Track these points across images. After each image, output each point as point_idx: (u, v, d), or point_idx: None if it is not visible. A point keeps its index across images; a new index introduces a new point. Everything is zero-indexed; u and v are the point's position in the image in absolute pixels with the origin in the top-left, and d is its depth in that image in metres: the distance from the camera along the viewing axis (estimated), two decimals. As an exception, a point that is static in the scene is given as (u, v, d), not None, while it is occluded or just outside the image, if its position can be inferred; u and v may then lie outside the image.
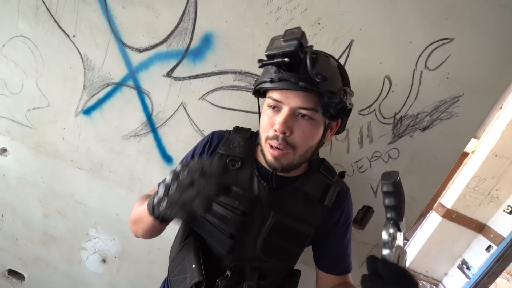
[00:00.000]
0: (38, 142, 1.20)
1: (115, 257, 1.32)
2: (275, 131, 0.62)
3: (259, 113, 0.72)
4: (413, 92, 0.92)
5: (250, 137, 0.78)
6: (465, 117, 0.92)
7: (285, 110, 0.62)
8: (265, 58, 0.58)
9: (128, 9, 0.99)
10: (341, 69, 0.68)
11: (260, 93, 0.72)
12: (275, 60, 0.56)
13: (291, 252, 0.74)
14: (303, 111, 0.62)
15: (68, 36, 1.05)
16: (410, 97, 0.93)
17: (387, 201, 0.52)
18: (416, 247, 3.77)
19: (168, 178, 0.53)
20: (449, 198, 3.48)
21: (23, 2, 1.03)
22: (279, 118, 0.62)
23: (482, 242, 3.39)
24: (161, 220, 0.57)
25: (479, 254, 3.38)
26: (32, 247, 1.37)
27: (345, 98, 0.61)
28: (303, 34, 0.54)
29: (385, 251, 0.51)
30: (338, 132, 0.74)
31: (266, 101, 0.67)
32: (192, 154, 0.80)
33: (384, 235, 0.52)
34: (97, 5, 1.00)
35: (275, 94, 0.63)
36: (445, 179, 1.03)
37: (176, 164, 0.94)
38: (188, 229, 0.79)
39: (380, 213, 1.04)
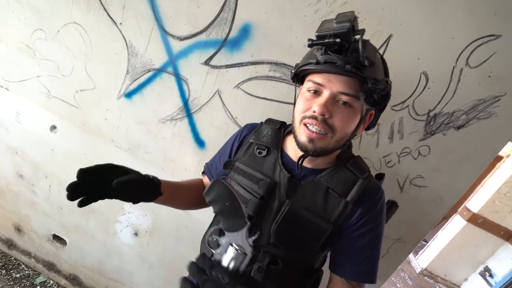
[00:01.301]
0: (83, 122, 1.31)
1: (146, 231, 1.42)
2: (314, 112, 0.62)
3: (295, 99, 0.72)
4: (450, 89, 0.91)
5: (280, 128, 0.80)
6: (504, 118, 0.89)
7: (326, 93, 0.62)
8: (314, 38, 0.59)
9: (172, -1, 1.04)
10: (384, 61, 0.68)
11: (299, 78, 0.73)
12: (326, 40, 0.57)
13: (305, 244, 0.72)
14: (344, 97, 0.62)
15: (116, 23, 1.12)
16: (447, 94, 0.91)
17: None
18: (436, 249, 3.68)
19: None
20: (476, 202, 3.34)
21: (77, -9, 1.11)
22: (320, 100, 0.62)
23: (509, 250, 3.25)
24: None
25: (504, 262, 3.24)
26: (74, 216, 1.51)
27: (388, 88, 0.61)
28: (355, 18, 0.55)
29: None
30: (369, 127, 0.74)
31: (306, 85, 0.66)
32: (226, 143, 0.88)
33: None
34: (143, -6, 1.06)
35: (317, 78, 0.63)
36: (473, 183, 1.01)
37: (208, 148, 1.01)
38: None
39: (404, 208, 1.06)
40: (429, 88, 0.92)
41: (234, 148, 0.83)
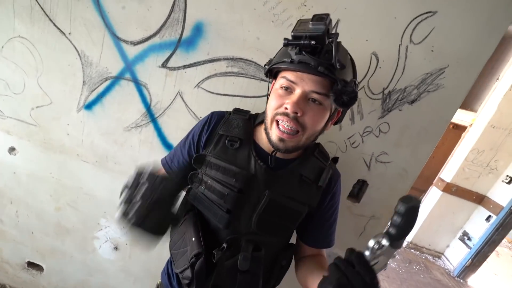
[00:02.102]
0: (44, 139, 1.25)
1: (126, 244, 1.39)
2: (286, 109, 0.65)
3: (268, 94, 0.74)
4: (399, 66, 0.96)
5: (249, 119, 0.81)
6: (451, 88, 0.96)
7: (298, 91, 0.65)
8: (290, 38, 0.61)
9: (120, 3, 1.01)
10: (353, 62, 0.72)
11: (271, 73, 0.75)
12: (301, 42, 0.59)
13: (285, 228, 0.78)
14: (315, 95, 0.64)
15: (64, 34, 1.08)
16: (397, 72, 0.96)
17: (394, 218, 0.51)
18: (418, 222, 3.87)
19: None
20: (448, 172, 3.54)
21: (17, 3, 1.06)
22: (292, 98, 0.64)
23: (482, 213, 3.48)
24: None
25: (479, 225, 3.47)
26: (48, 239, 1.44)
27: (356, 89, 0.64)
28: (330, 20, 0.58)
29: (366, 252, 0.53)
30: (336, 122, 0.78)
31: (279, 81, 0.69)
32: (191, 134, 0.84)
33: (371, 242, 0.52)
34: (89, 2, 1.03)
35: (290, 75, 0.66)
36: (444, 154, 1.08)
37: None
38: (189, 205, 0.84)
39: (374, 186, 1.11)
40: (380, 67, 0.97)
41: (202, 139, 0.80)
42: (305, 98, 0.65)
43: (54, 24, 1.07)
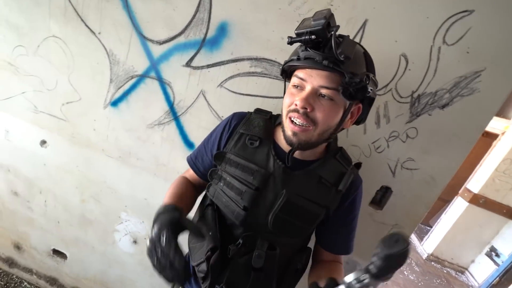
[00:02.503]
0: (72, 134, 1.31)
1: (145, 238, 1.42)
2: (296, 105, 0.66)
3: (284, 94, 0.75)
4: (431, 69, 0.91)
5: (270, 119, 0.82)
6: (487, 92, 0.89)
7: (307, 88, 0.66)
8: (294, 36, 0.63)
9: (147, 4, 1.04)
10: (367, 56, 0.70)
11: (287, 74, 0.76)
12: (303, 38, 0.61)
13: (300, 229, 0.77)
14: (324, 91, 0.65)
15: (94, 33, 1.12)
16: (428, 74, 0.91)
17: (373, 258, 0.47)
18: (441, 233, 3.68)
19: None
20: (476, 183, 3.34)
21: (53, 4, 1.11)
22: (302, 94, 0.66)
23: (513, 228, 3.25)
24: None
25: (509, 241, 3.25)
26: (72, 229, 1.51)
27: (367, 82, 0.63)
28: (331, 15, 0.59)
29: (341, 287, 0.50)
30: (358, 122, 0.77)
31: (292, 80, 0.71)
32: (214, 133, 0.86)
33: (349, 277, 0.50)
34: (119, 2, 1.06)
35: (300, 73, 0.67)
36: (472, 163, 1.01)
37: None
38: (208, 200, 0.85)
39: (398, 193, 1.06)
40: (409, 69, 0.92)
41: (223, 138, 0.82)
42: (315, 94, 0.65)
43: (85, 24, 1.12)
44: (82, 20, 1.11)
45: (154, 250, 0.60)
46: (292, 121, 0.68)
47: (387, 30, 0.90)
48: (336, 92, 0.64)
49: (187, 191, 0.89)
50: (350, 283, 0.49)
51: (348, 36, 0.66)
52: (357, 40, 0.92)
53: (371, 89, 0.65)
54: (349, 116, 0.71)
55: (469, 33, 0.84)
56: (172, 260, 0.59)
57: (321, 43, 0.60)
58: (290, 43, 0.64)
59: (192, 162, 0.90)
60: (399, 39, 0.90)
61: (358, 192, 0.81)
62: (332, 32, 0.58)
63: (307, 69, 0.66)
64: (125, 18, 1.08)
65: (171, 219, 0.63)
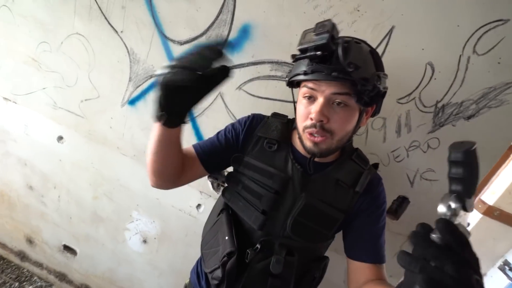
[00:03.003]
0: (89, 131, 1.32)
1: (155, 238, 1.42)
2: (311, 119, 0.65)
3: (294, 103, 0.75)
4: (458, 79, 0.88)
5: (287, 123, 0.81)
6: (517, 104, 0.86)
7: (320, 99, 0.64)
8: (297, 52, 0.62)
9: (171, 3, 1.04)
10: (374, 53, 0.68)
11: (293, 84, 0.75)
12: (308, 54, 0.60)
13: (320, 234, 0.75)
14: (337, 97, 0.63)
15: (117, 31, 1.13)
16: (455, 84, 0.89)
17: (453, 171, 0.41)
18: (452, 247, 3.58)
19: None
20: (491, 195, 3.23)
21: (78, 3, 1.13)
22: (315, 107, 0.64)
23: (528, 244, 3.13)
24: (163, 110, 0.59)
25: (524, 257, 3.13)
26: (84, 225, 1.52)
27: (378, 83, 0.62)
28: (333, 26, 0.57)
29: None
30: (373, 114, 0.75)
31: (301, 91, 0.69)
32: (229, 125, 0.83)
33: (441, 208, 0.40)
34: (142, 1, 1.07)
35: (309, 84, 0.66)
36: (488, 174, 0.97)
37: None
38: (223, 204, 0.84)
39: (415, 204, 1.03)
40: (435, 78, 0.90)
41: (240, 140, 0.80)
42: (328, 103, 0.64)
43: (109, 22, 1.13)
44: (105, 18, 1.13)
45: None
46: (311, 134, 0.67)
47: (414, 38, 0.88)
48: (349, 96, 0.63)
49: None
50: (445, 214, 0.39)
51: (352, 39, 0.65)
52: (382, 47, 0.90)
53: (384, 87, 0.65)
54: (364, 114, 0.71)
55: (502, 43, 0.82)
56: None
57: (327, 56, 0.59)
58: (295, 60, 0.64)
59: (198, 146, 0.81)
60: (426, 47, 0.87)
61: (379, 190, 0.78)
62: (338, 44, 0.57)
63: (316, 81, 0.64)
64: (148, 17, 1.08)
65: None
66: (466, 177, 0.40)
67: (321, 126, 0.64)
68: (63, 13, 1.16)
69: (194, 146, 0.82)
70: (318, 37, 0.57)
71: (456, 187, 0.41)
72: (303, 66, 0.65)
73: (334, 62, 0.59)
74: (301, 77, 0.65)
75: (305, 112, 0.67)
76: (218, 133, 0.85)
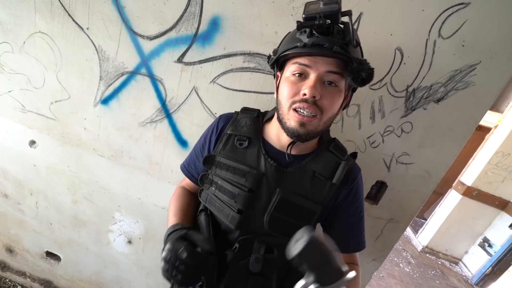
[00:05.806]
0: (62, 133, 1.28)
1: (140, 238, 1.40)
2: (304, 95, 0.62)
3: (277, 87, 0.71)
4: (426, 62, 0.90)
5: (258, 117, 0.80)
6: (482, 86, 0.89)
7: (313, 75, 0.62)
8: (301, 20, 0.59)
9: (137, -2, 1.00)
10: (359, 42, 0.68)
11: (278, 64, 0.72)
12: (316, 22, 0.57)
13: (296, 228, 0.74)
14: (330, 76, 0.63)
15: (82, 29, 1.09)
16: (423, 68, 0.91)
17: (300, 268, 0.46)
18: (435, 226, 3.74)
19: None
20: (469, 176, 3.39)
21: (38, -1, 1.07)
22: (309, 82, 0.62)
23: (505, 219, 3.31)
24: None
25: (502, 232, 3.31)
26: (65, 230, 1.48)
27: (367, 66, 0.62)
28: None
29: None
30: (344, 107, 0.75)
31: (290, 69, 0.66)
32: (202, 138, 0.85)
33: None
34: (107, -4, 1.02)
35: (303, 60, 0.63)
36: (465, 156, 1.01)
37: (191, 148, 0.98)
38: (201, 206, 0.84)
39: (393, 188, 1.06)
40: (405, 63, 0.91)
41: (212, 142, 0.81)
42: (320, 81, 0.63)
43: (73, 19, 1.08)
44: (69, 15, 1.07)
45: (172, 267, 0.63)
46: (297, 112, 0.64)
47: (382, 23, 0.88)
48: (339, 76, 0.63)
49: (189, 202, 0.87)
50: None
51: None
52: (351, 33, 0.91)
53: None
54: (344, 101, 0.70)
55: (464, 26, 0.84)
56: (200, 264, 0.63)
57: (330, 28, 0.58)
58: (299, 27, 0.60)
59: (186, 169, 0.89)
60: (394, 32, 0.88)
61: (357, 182, 0.78)
62: (351, 15, 0.57)
63: (311, 56, 0.62)
64: (114, 13, 1.04)
65: (182, 236, 0.66)
66: (315, 267, 0.45)
67: (314, 102, 0.62)
68: (21, 10, 1.10)
69: (182, 169, 0.91)
70: (327, 6, 0.56)
71: (311, 278, 0.46)
72: (298, 40, 0.62)
73: (335, 37, 0.59)
74: (298, 50, 0.62)
75: (294, 88, 0.64)
76: (194, 148, 0.87)
